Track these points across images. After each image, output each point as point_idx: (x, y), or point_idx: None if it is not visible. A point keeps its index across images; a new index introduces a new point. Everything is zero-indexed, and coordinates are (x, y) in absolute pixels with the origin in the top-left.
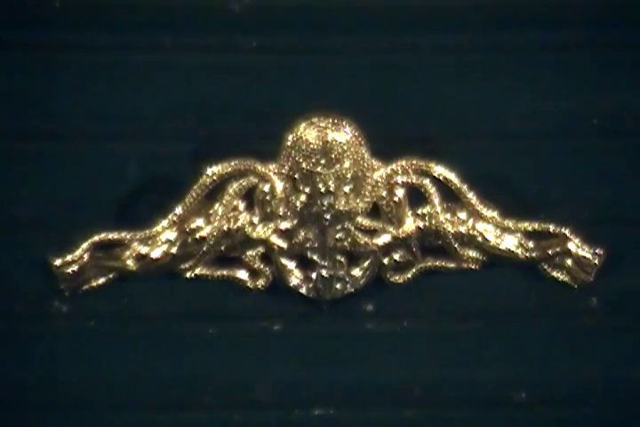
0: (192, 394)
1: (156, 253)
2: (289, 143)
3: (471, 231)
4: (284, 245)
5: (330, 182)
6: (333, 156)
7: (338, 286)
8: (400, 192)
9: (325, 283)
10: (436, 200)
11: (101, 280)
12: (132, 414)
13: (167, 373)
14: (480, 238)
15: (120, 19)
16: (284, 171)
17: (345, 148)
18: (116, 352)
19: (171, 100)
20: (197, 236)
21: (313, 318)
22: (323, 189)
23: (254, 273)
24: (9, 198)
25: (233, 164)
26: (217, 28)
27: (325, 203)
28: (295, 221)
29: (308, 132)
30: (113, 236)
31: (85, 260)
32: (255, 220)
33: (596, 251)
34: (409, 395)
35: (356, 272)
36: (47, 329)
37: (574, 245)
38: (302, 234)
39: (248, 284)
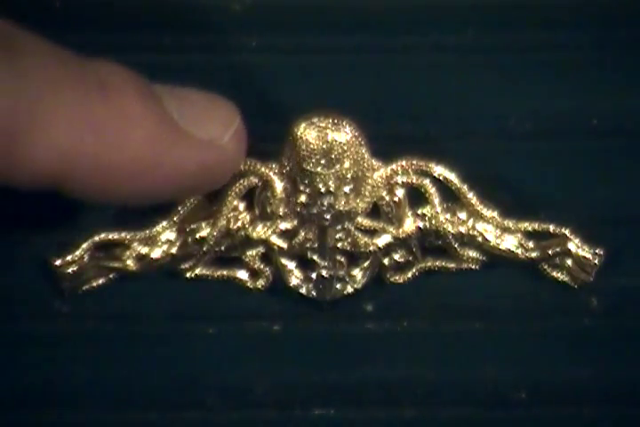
0: (192, 394)
1: (156, 254)
2: (289, 143)
3: (471, 231)
4: (284, 245)
5: (330, 182)
6: (333, 156)
7: (338, 286)
8: (400, 192)
9: (325, 283)
10: (436, 200)
11: (101, 280)
12: (132, 414)
13: (167, 373)
14: (480, 238)
15: (120, 19)
16: (284, 171)
17: (345, 148)
18: (115, 352)
19: None
20: (197, 236)
21: (313, 318)
22: (323, 190)
23: (254, 273)
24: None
25: None
26: (217, 28)
27: (325, 203)
28: (295, 222)
29: (308, 133)
30: (113, 236)
31: (85, 260)
32: (255, 220)
33: (596, 251)
34: (409, 395)
35: (356, 272)
36: (47, 329)
37: (574, 245)
38: (302, 234)
39: (248, 284)
